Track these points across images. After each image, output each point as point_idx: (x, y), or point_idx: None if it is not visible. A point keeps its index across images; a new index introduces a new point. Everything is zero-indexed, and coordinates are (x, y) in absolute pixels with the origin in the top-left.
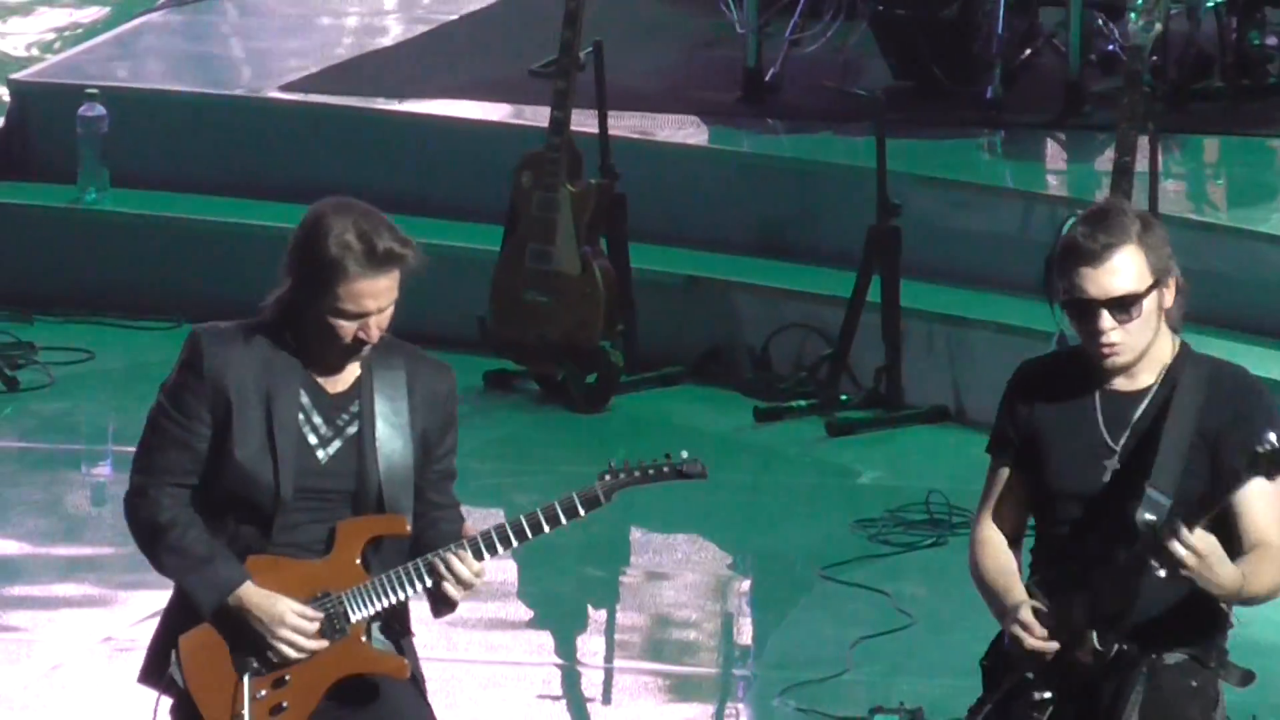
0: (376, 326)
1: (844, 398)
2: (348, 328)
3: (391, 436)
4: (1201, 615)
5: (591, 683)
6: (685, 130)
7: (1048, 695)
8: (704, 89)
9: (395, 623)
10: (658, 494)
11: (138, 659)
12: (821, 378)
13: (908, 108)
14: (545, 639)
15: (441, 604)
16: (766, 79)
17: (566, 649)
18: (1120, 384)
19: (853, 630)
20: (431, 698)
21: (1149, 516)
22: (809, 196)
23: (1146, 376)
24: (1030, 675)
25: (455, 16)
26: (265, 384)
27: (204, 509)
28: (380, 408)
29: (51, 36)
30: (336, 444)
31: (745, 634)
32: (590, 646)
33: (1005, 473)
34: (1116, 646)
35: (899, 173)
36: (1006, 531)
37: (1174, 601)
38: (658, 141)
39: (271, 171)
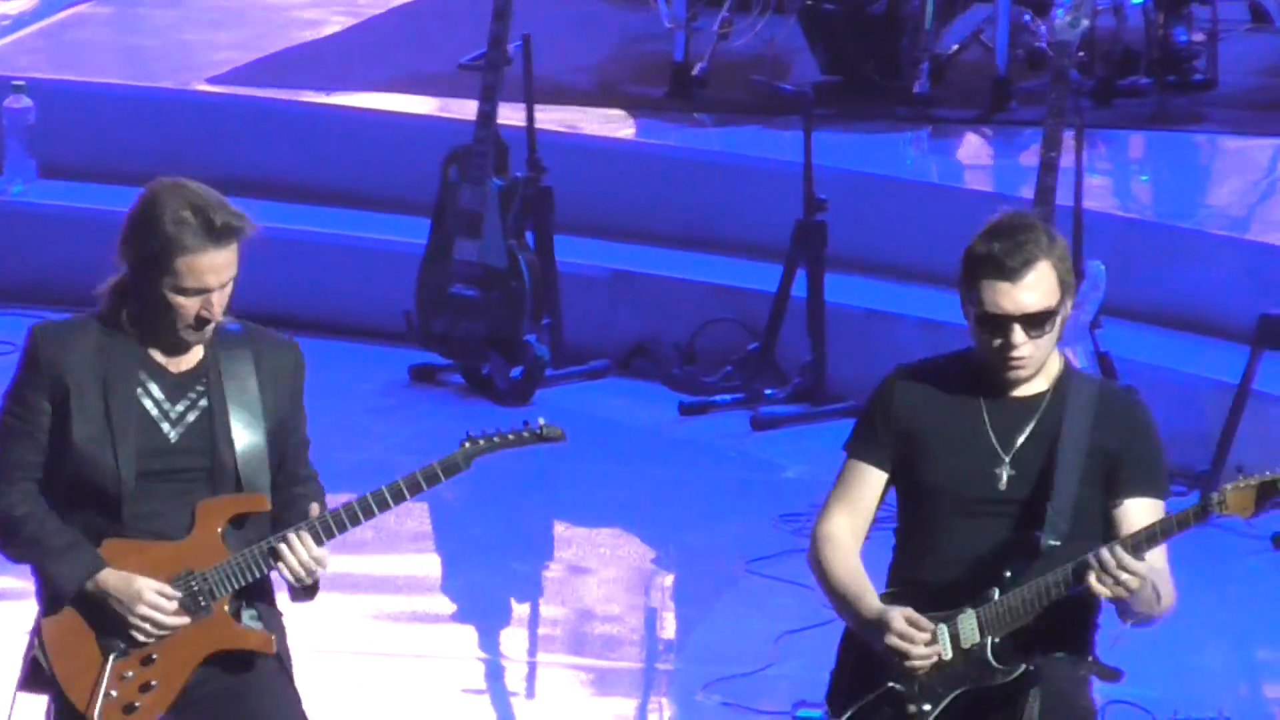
0: (218, 303)
1: (769, 392)
2: (190, 305)
3: (242, 412)
4: (1074, 618)
5: (515, 677)
6: (613, 124)
7: (925, 708)
8: (632, 83)
9: (261, 599)
10: (582, 487)
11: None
12: (747, 372)
13: (835, 103)
14: (468, 633)
15: (297, 592)
16: (694, 74)
17: (489, 643)
18: (1006, 392)
19: (777, 624)
20: (352, 691)
21: (1053, 541)
22: (736, 191)
23: (1037, 384)
24: (896, 686)
25: (384, 10)
26: (103, 369)
27: (54, 500)
28: (229, 384)
29: None
30: (186, 421)
31: (669, 628)
32: (513, 641)
33: (865, 472)
34: (1022, 667)
35: (825, 167)
36: (854, 533)
37: (1056, 610)
38: (585, 135)
39: (199, 164)
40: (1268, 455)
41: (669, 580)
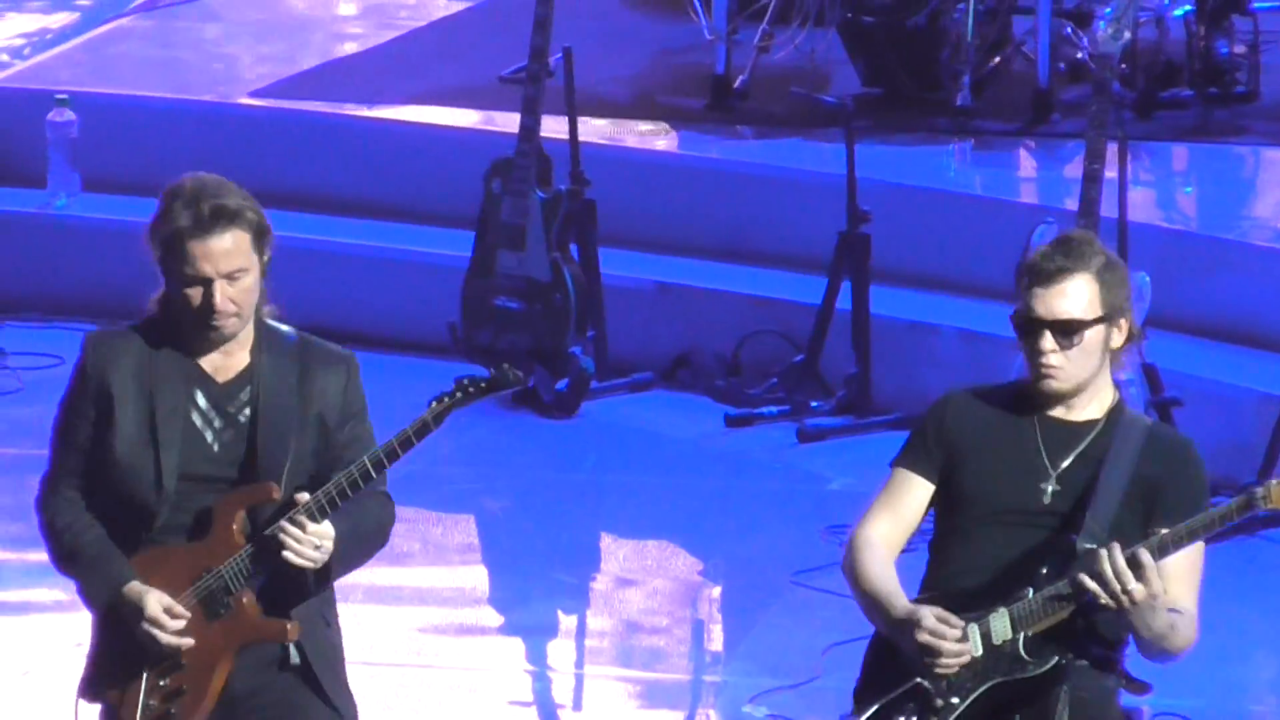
0: (224, 295)
1: (814, 404)
2: (194, 294)
3: (278, 419)
4: (1108, 627)
5: (562, 689)
6: (655, 137)
7: (954, 700)
8: (673, 96)
9: (288, 590)
10: (627, 499)
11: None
12: (791, 384)
13: (876, 115)
14: (515, 645)
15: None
16: (735, 86)
17: (536, 655)
18: (1061, 413)
19: (824, 637)
20: (399, 704)
21: (1089, 545)
22: (778, 203)
23: (1091, 410)
24: (924, 682)
25: (425, 23)
26: (149, 378)
27: (93, 506)
28: (269, 393)
29: (21, 42)
30: (229, 432)
31: (716, 640)
32: (560, 653)
33: (910, 480)
34: (1055, 659)
35: (868, 179)
36: (891, 541)
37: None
38: (627, 148)
39: (241, 177)
40: None
41: (715, 592)
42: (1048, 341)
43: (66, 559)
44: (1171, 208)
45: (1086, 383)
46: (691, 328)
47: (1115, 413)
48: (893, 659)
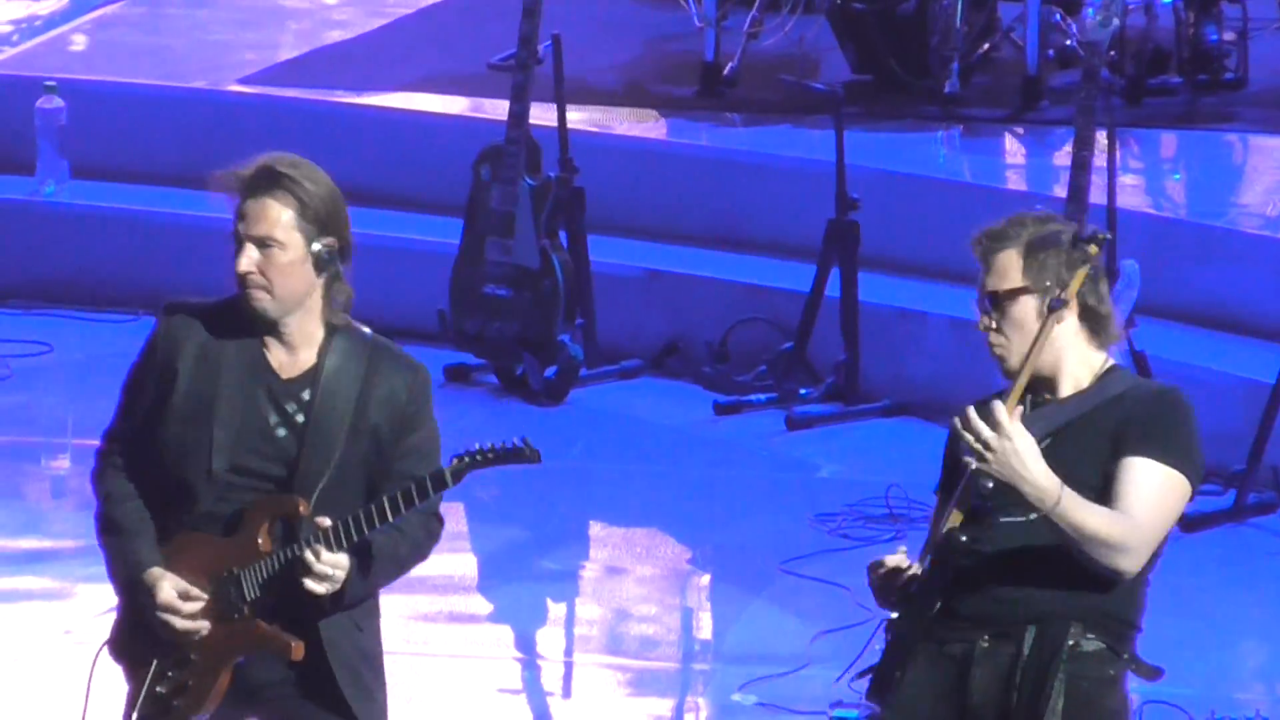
0: (248, 257)
1: (803, 391)
2: (240, 258)
3: (329, 422)
4: (1116, 609)
5: (551, 677)
6: (644, 124)
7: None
8: (662, 83)
9: (302, 607)
10: (616, 487)
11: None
12: (780, 371)
13: (866, 102)
14: (504, 633)
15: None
16: (725, 73)
17: (526, 643)
18: (1047, 398)
19: (813, 624)
20: (391, 692)
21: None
22: (767, 190)
23: (1076, 383)
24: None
25: (414, 10)
26: (216, 359)
27: (141, 478)
28: (326, 396)
29: (9, 29)
30: (283, 430)
31: (705, 628)
32: (550, 641)
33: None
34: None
35: (857, 166)
36: None
37: (1091, 592)
38: (616, 135)
39: (230, 164)
40: None
41: (704, 580)
42: (985, 320)
43: (103, 524)
44: (1160, 195)
45: (1043, 365)
46: (680, 315)
47: (1101, 383)
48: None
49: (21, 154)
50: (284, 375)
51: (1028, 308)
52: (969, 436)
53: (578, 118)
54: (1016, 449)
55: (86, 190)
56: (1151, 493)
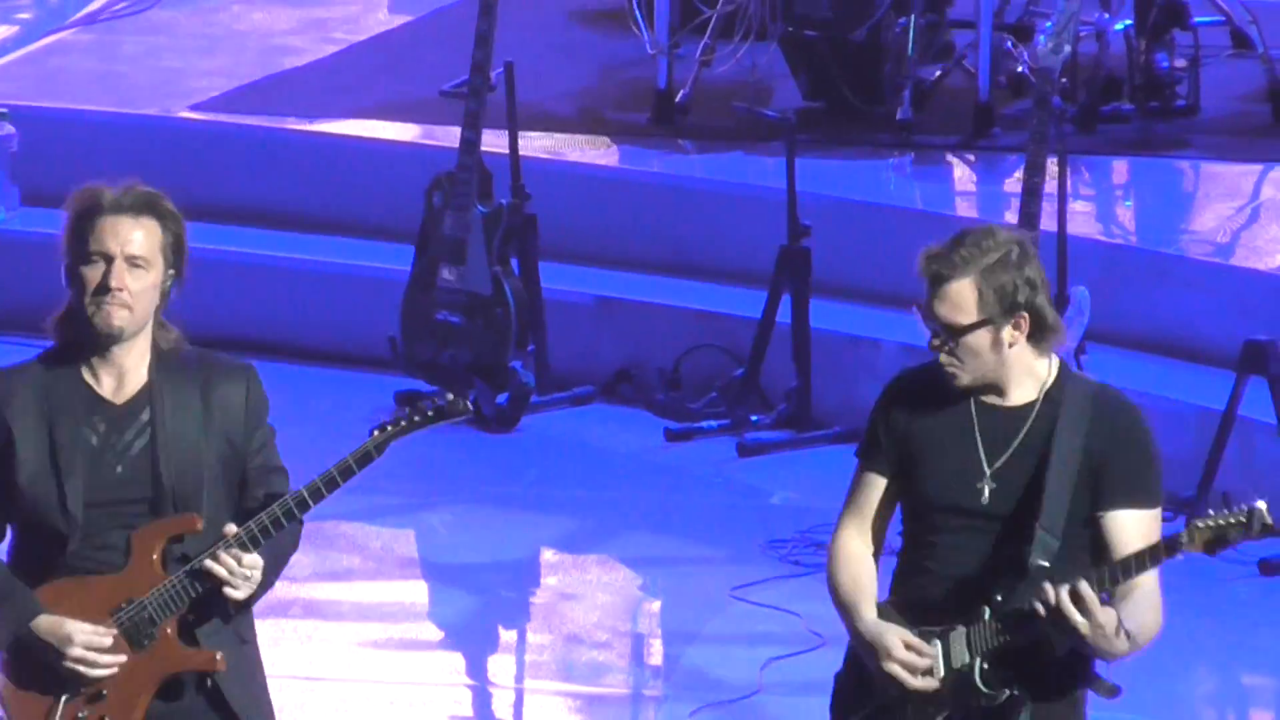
0: (119, 273)
1: (754, 418)
2: (92, 275)
3: (181, 437)
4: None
5: (503, 704)
6: (596, 151)
7: None
8: (615, 110)
9: (210, 617)
10: (568, 514)
11: None
12: (732, 398)
13: (818, 129)
14: (456, 660)
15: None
16: (677, 100)
17: (477, 670)
18: (995, 400)
19: (764, 650)
20: (342, 719)
21: (1042, 562)
22: (719, 217)
23: (1023, 394)
24: (887, 705)
25: (366, 37)
26: (47, 408)
27: (10, 539)
28: (170, 411)
29: None
30: (131, 452)
31: (656, 654)
32: (501, 668)
33: (873, 480)
34: (1007, 692)
35: (809, 193)
36: (865, 541)
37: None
38: (569, 162)
39: (181, 191)
40: (1253, 481)
41: (656, 606)
42: (936, 340)
43: None
44: (1111, 221)
45: (991, 375)
46: (632, 342)
47: (1056, 389)
48: (861, 675)
49: None
50: (118, 401)
51: (982, 339)
52: (1074, 618)
53: (530, 145)
54: (1107, 633)
55: (37, 218)
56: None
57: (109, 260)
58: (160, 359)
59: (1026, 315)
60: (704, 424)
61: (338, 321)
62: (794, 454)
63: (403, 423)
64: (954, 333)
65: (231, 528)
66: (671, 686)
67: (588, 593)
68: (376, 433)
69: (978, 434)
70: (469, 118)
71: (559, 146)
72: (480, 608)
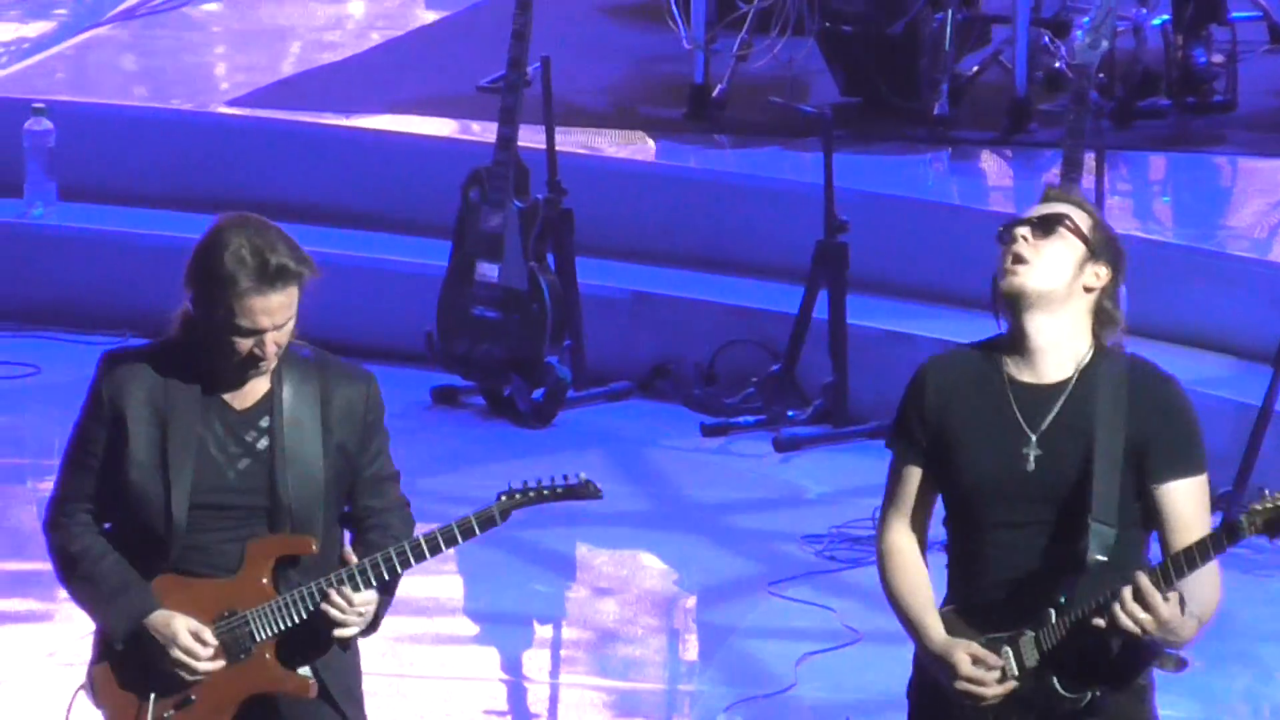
0: (273, 343)
1: (791, 413)
2: (243, 344)
3: (302, 450)
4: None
5: (537, 698)
6: (632, 146)
7: None
8: (651, 105)
9: (310, 643)
10: (603, 509)
11: (81, 674)
12: (769, 393)
13: (855, 124)
14: (490, 654)
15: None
16: (714, 95)
17: (512, 664)
18: (1030, 377)
19: (799, 646)
20: (375, 713)
21: (1100, 557)
22: (755, 212)
23: (1060, 371)
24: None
25: (403, 32)
26: (164, 404)
27: (108, 530)
28: (290, 422)
29: None
30: (246, 460)
31: (691, 650)
32: (536, 662)
33: (910, 471)
34: (1089, 694)
35: (846, 189)
36: (912, 535)
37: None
38: (605, 157)
39: (219, 186)
40: None
41: (691, 602)
42: (1023, 230)
43: (82, 585)
44: (1149, 217)
45: (1048, 297)
46: (669, 337)
47: (1092, 365)
48: (934, 681)
49: (9, 176)
50: (238, 406)
51: (1071, 252)
52: (1127, 621)
53: (566, 140)
54: (1174, 626)
55: (74, 212)
56: (1200, 512)
57: (258, 333)
58: (282, 364)
59: (1110, 271)
60: (740, 419)
61: (374, 316)
62: (830, 449)
63: (531, 494)
64: (1052, 222)
65: (351, 556)
66: (706, 681)
67: (623, 588)
68: (504, 498)
69: (1015, 408)
70: (505, 113)
71: (595, 142)
72: (515, 602)
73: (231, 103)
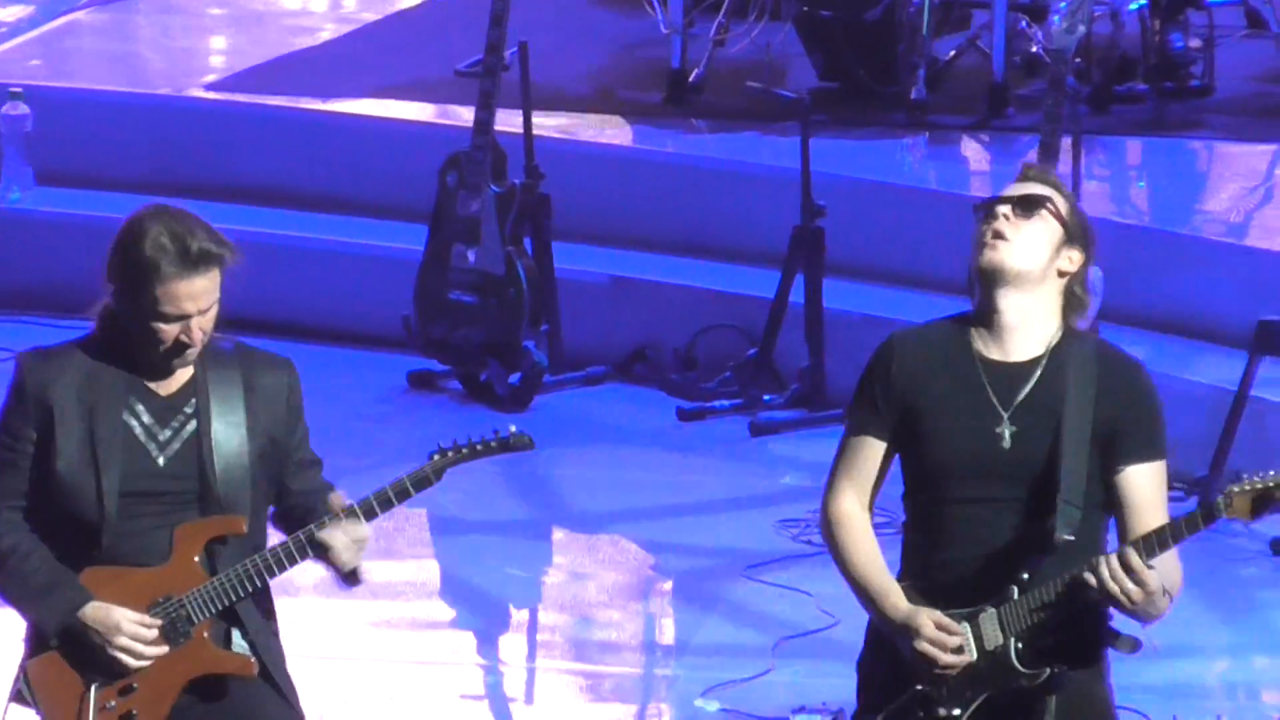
0: (198, 328)
1: (767, 398)
2: (169, 330)
3: (228, 434)
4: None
5: (514, 683)
6: (610, 131)
7: (955, 712)
8: (629, 89)
9: (251, 621)
10: (580, 493)
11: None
12: (745, 378)
13: (832, 109)
14: (467, 639)
15: (347, 578)
16: (691, 80)
17: (488, 649)
18: (1000, 355)
19: (776, 630)
20: (351, 698)
21: (1068, 536)
22: (733, 197)
23: (1030, 349)
24: (923, 688)
25: (381, 16)
26: (89, 396)
27: (37, 526)
28: (216, 406)
29: None
30: (174, 446)
31: (668, 633)
32: (512, 646)
33: (869, 443)
34: (1048, 670)
35: (823, 173)
36: (864, 507)
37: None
38: (582, 142)
39: (197, 170)
40: (1266, 461)
41: (668, 585)
42: (1004, 208)
43: (10, 582)
44: (1125, 202)
45: (1024, 276)
46: (646, 321)
47: (1060, 345)
48: (895, 654)
49: None
50: (163, 393)
51: (1049, 234)
52: (1115, 590)
53: (544, 124)
54: (1154, 598)
55: (52, 197)
56: (1160, 497)
57: (185, 318)
58: (204, 350)
59: (1083, 256)
60: (717, 403)
61: (351, 301)
62: (807, 434)
63: (464, 450)
64: (1033, 204)
65: (337, 497)
66: (683, 666)
67: (599, 572)
68: (436, 456)
69: (987, 385)
70: (483, 97)
71: (573, 126)
72: (491, 587)
73: (209, 87)
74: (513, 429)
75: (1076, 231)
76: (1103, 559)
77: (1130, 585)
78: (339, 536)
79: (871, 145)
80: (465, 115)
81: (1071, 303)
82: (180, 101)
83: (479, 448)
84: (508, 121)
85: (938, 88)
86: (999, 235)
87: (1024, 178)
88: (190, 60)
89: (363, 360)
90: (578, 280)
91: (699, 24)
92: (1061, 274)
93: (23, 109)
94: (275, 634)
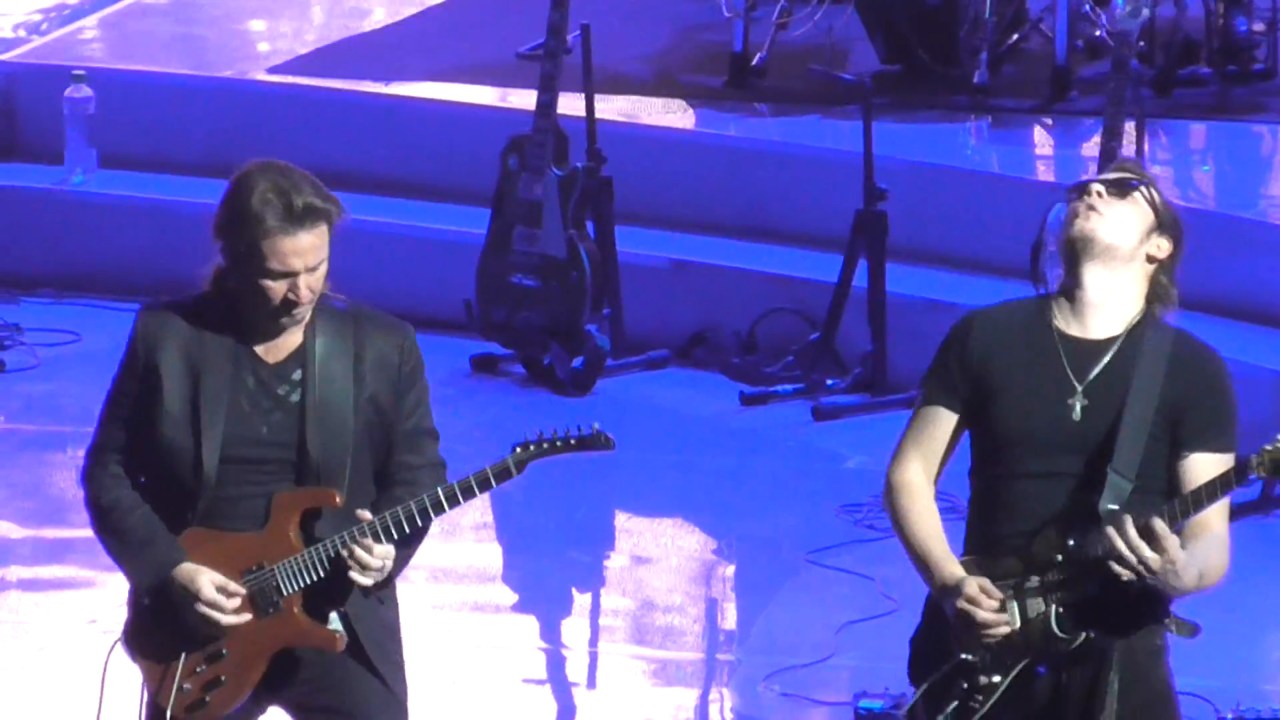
0: (306, 286)
1: (830, 382)
2: (276, 288)
3: (333, 404)
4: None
5: (576, 667)
6: (672, 114)
7: (995, 679)
8: (691, 73)
9: (338, 596)
10: (642, 477)
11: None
12: (807, 362)
13: (894, 92)
14: (529, 623)
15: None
16: (753, 63)
17: (550, 633)
18: (1079, 331)
19: (838, 615)
20: (415, 682)
21: (1111, 506)
22: (795, 180)
23: (1109, 327)
24: (968, 656)
25: (442, 0)
26: (197, 357)
27: (139, 482)
28: (322, 374)
29: (39, 18)
30: (277, 414)
31: (730, 619)
32: (575, 631)
33: (942, 414)
34: (1083, 635)
35: (885, 157)
36: (929, 477)
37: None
38: (645, 125)
39: (257, 154)
40: None
41: (730, 570)
42: (1099, 186)
43: (111, 537)
44: (1189, 186)
45: (1112, 251)
46: (708, 306)
47: (1139, 328)
48: (944, 625)
49: (50, 143)
50: (270, 360)
51: (1139, 219)
52: (1130, 555)
53: (606, 108)
54: (1177, 568)
55: (114, 180)
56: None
57: (293, 276)
58: (316, 317)
59: (1171, 246)
60: (779, 388)
61: (413, 284)
62: (869, 418)
63: (545, 444)
64: (1125, 186)
65: (365, 514)
66: (745, 651)
67: (662, 556)
68: (519, 450)
69: (1064, 359)
70: (545, 80)
71: (635, 110)
72: (553, 571)
73: (271, 70)
74: (595, 426)
75: (1167, 221)
76: (1124, 518)
77: (1147, 552)
78: (357, 556)
79: (934, 129)
80: (527, 99)
81: (1157, 291)
82: (242, 85)
83: (559, 444)
84: (570, 105)
85: (1000, 71)
86: (1092, 208)
87: (1118, 168)
88: (252, 43)
89: (425, 344)
90: (639, 264)
91: (761, 7)
92: (1150, 259)
93: (86, 91)
94: (383, 611)
